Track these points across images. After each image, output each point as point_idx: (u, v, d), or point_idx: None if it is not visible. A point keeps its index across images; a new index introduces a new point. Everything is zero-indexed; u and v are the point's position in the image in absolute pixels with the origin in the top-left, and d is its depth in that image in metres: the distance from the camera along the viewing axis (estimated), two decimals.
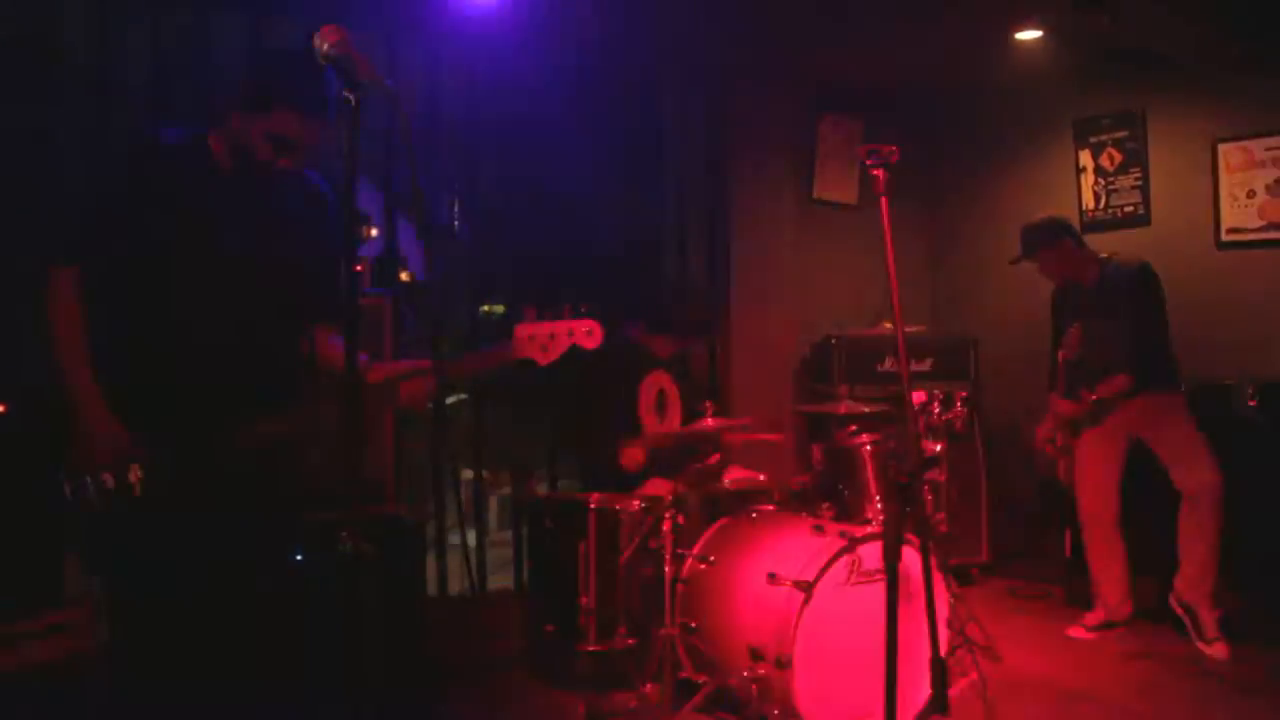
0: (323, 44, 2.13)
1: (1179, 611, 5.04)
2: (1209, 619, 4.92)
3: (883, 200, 2.69)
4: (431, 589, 5.43)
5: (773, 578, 3.84)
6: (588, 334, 2.96)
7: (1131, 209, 6.45)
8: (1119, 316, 5.07)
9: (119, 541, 2.68)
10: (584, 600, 3.96)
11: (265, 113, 2.75)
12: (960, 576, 6.02)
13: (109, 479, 2.64)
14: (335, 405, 2.72)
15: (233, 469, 2.72)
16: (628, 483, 4.74)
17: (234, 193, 2.88)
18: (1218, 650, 4.84)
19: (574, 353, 2.96)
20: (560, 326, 2.94)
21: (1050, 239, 5.22)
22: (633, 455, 4.70)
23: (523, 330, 2.93)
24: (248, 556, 2.82)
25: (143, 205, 2.78)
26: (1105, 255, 5.28)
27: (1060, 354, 5.08)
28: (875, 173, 2.69)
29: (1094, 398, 5.11)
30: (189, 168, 2.85)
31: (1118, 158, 6.51)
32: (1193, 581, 4.95)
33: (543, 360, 2.94)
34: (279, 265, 2.92)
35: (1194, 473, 4.91)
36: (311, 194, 3.05)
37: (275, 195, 2.94)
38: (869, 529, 4.00)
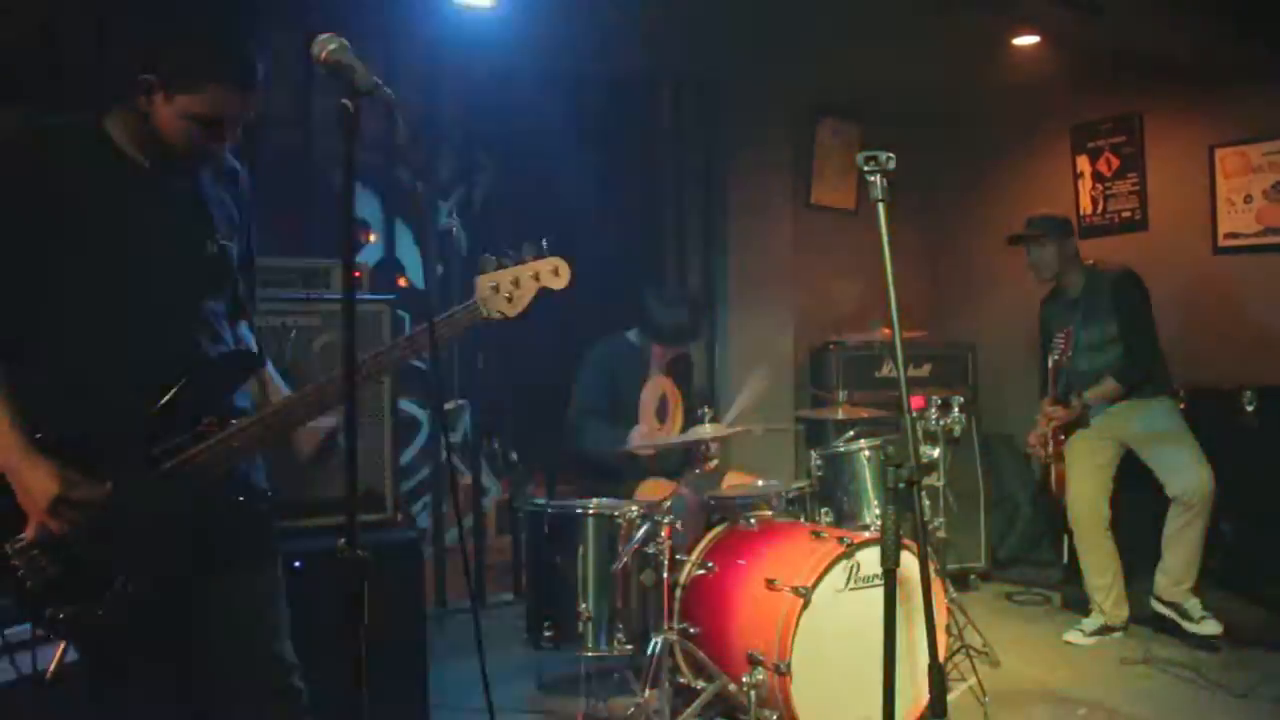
0: (321, 50, 2.12)
1: (1163, 609, 5.06)
2: (1193, 604, 5.00)
3: (880, 206, 2.69)
4: (429, 596, 5.43)
5: (771, 583, 3.84)
6: (554, 273, 2.68)
7: (1129, 214, 6.46)
8: (1105, 322, 5.08)
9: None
10: (582, 606, 3.95)
11: (190, 92, 2.38)
12: (958, 582, 6.03)
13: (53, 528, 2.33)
14: (294, 400, 2.53)
15: (196, 486, 2.45)
16: (626, 484, 4.73)
17: (152, 188, 2.51)
18: (1208, 626, 4.90)
19: (544, 299, 2.66)
20: (524, 270, 2.63)
21: (1061, 233, 5.22)
22: (640, 437, 4.69)
23: (484, 282, 2.61)
24: (231, 566, 2.57)
25: (34, 217, 2.38)
26: (1090, 262, 5.29)
27: (1052, 360, 5.09)
28: (873, 179, 2.69)
29: (1083, 403, 5.12)
30: (81, 163, 2.46)
31: (1115, 163, 6.52)
32: (1175, 579, 5.00)
33: (511, 312, 2.63)
34: (209, 263, 2.58)
35: (1185, 478, 4.92)
36: (225, 173, 2.70)
37: (194, 184, 2.59)
38: (867, 535, 4.00)
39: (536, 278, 2.65)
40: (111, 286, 2.44)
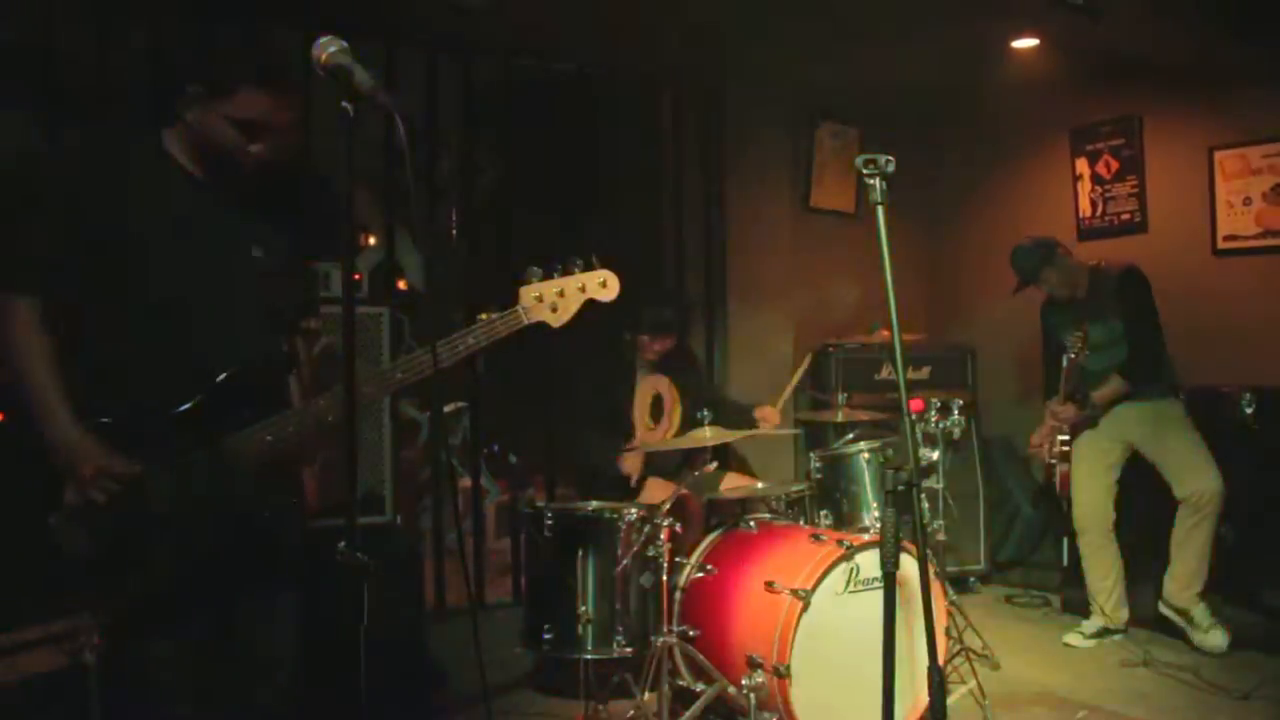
0: (321, 54, 2.13)
1: (1170, 613, 5.06)
2: (1200, 611, 4.97)
3: (879, 210, 2.69)
4: (429, 599, 5.43)
5: (770, 586, 3.84)
6: (602, 285, 2.77)
7: (1128, 216, 6.46)
8: (1111, 321, 5.08)
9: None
10: (582, 609, 3.95)
11: (227, 97, 2.54)
12: (958, 584, 6.03)
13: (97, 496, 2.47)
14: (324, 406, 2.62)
15: (233, 484, 2.58)
16: (625, 489, 4.75)
17: (205, 198, 2.68)
18: (1215, 638, 4.88)
19: (590, 309, 2.75)
20: (569, 282, 2.73)
21: (1049, 256, 5.22)
22: (629, 462, 4.71)
23: (528, 291, 2.70)
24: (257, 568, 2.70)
25: (102, 224, 2.56)
26: (1094, 263, 5.30)
27: (1067, 360, 5.06)
28: (872, 182, 2.69)
29: (1093, 404, 5.12)
30: (144, 174, 2.64)
31: (1115, 165, 6.52)
32: (1183, 584, 4.98)
33: (555, 323, 2.73)
34: (254, 268, 2.73)
35: (1194, 480, 4.92)
36: (283, 184, 2.85)
37: (245, 194, 2.73)
38: (867, 537, 4.00)
39: (583, 289, 2.75)
40: (164, 286, 2.59)
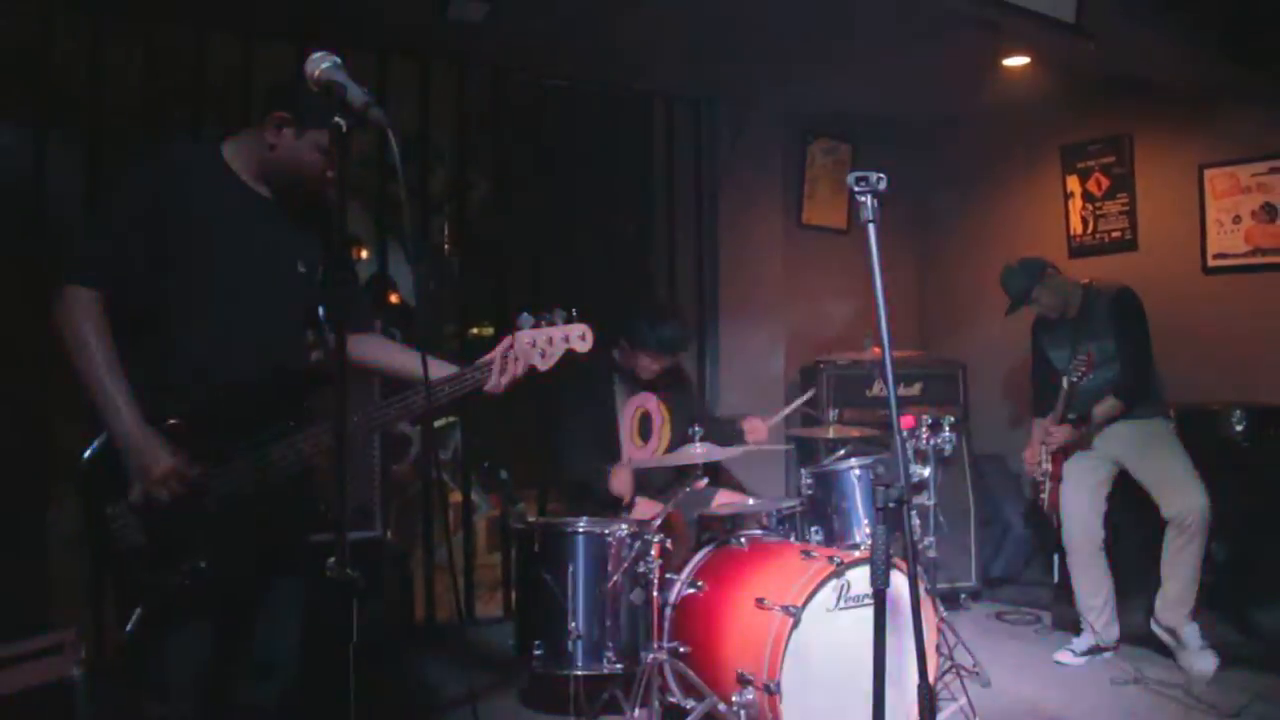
0: (314, 70, 2.14)
1: (1160, 633, 5.06)
2: (1191, 632, 4.95)
3: (870, 227, 2.70)
4: (419, 614, 5.42)
5: (761, 602, 3.83)
6: (581, 338, 3.02)
7: (1119, 234, 6.48)
8: (1104, 340, 5.09)
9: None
10: (572, 624, 3.94)
11: (320, 126, 2.66)
12: (949, 601, 6.02)
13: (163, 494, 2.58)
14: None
15: (270, 489, 2.71)
16: (615, 506, 4.74)
17: (260, 211, 2.84)
18: (1205, 660, 4.86)
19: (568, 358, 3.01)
20: (555, 332, 2.99)
21: (1038, 275, 5.24)
22: (619, 481, 4.70)
23: (522, 338, 2.96)
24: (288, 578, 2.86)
25: (167, 226, 2.68)
26: (1086, 281, 5.31)
27: (1068, 381, 5.05)
28: (863, 199, 2.70)
29: (1091, 425, 5.12)
30: (208, 183, 2.79)
31: (1105, 183, 6.55)
32: (1173, 603, 4.97)
33: (543, 367, 2.98)
34: (298, 281, 2.88)
35: (1180, 499, 4.92)
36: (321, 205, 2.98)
37: (294, 211, 2.89)
38: (857, 554, 3.99)
39: (566, 340, 3.01)
40: (216, 290, 2.74)
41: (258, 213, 2.83)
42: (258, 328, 2.80)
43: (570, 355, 3.03)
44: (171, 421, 2.63)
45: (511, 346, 2.95)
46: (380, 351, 3.11)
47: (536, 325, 2.99)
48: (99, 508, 2.61)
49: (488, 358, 2.95)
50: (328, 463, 2.77)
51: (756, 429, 5.13)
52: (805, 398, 5.51)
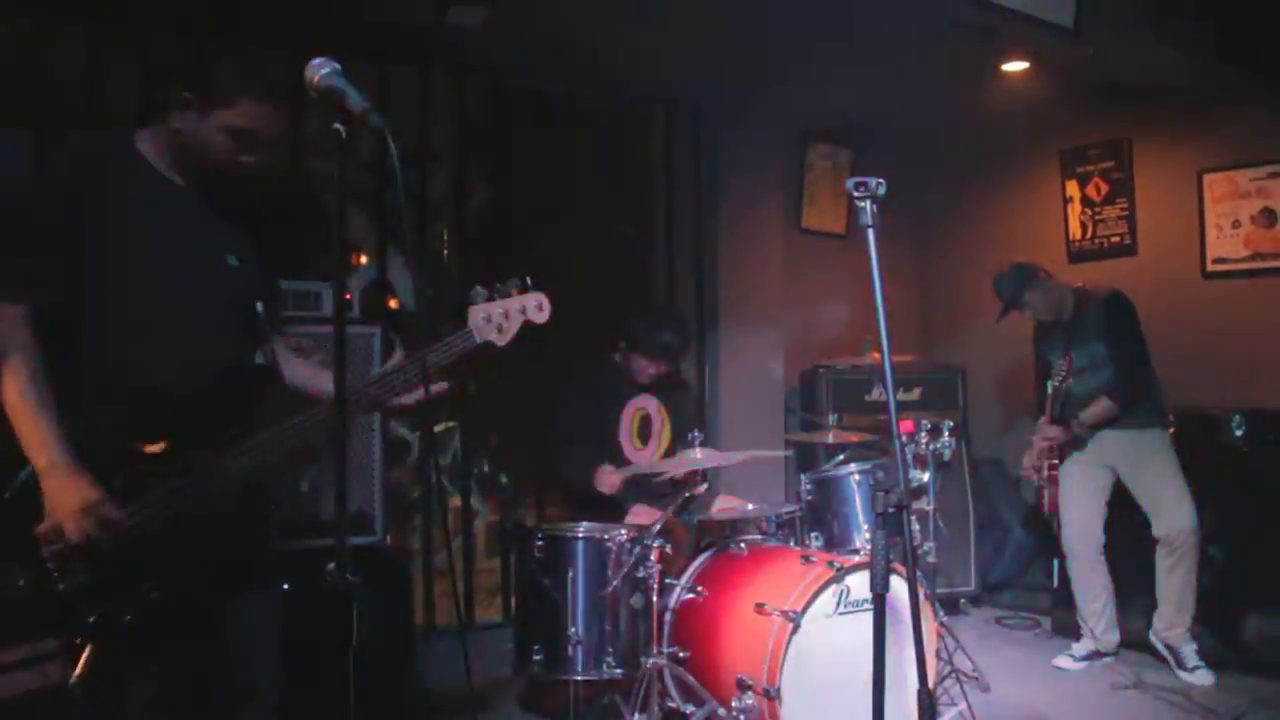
0: (314, 75, 2.14)
1: (1159, 646, 5.06)
2: (1188, 650, 4.95)
3: (869, 232, 2.70)
4: (418, 619, 5.41)
5: (760, 608, 3.83)
6: (538, 308, 2.86)
7: (1118, 239, 6.49)
8: (1096, 344, 5.10)
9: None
10: (571, 630, 3.94)
11: (227, 106, 2.55)
12: (948, 606, 6.02)
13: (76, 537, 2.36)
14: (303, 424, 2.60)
15: (215, 507, 2.53)
16: (614, 510, 4.73)
17: (181, 203, 2.65)
18: (1201, 677, 4.86)
19: (529, 332, 2.84)
20: (511, 303, 2.82)
21: (1029, 279, 5.26)
22: (608, 479, 4.67)
23: (477, 312, 2.79)
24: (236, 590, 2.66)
25: (82, 227, 2.48)
26: (1079, 285, 5.32)
27: (1051, 386, 5.09)
28: (862, 204, 2.70)
29: (1080, 424, 5.12)
30: (123, 177, 2.59)
31: (1104, 188, 6.55)
32: (1170, 621, 4.98)
33: (500, 341, 2.81)
34: (232, 276, 2.71)
35: (1169, 518, 4.94)
36: (253, 193, 2.88)
37: (219, 201, 2.72)
38: (857, 559, 3.99)
39: (523, 311, 2.83)
40: (140, 295, 2.54)
41: (178, 206, 2.65)
42: (191, 330, 2.61)
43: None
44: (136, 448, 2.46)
45: (404, 366, 2.73)
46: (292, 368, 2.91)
47: (490, 299, 2.81)
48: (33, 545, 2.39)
49: (392, 364, 2.80)
50: (278, 468, 2.71)
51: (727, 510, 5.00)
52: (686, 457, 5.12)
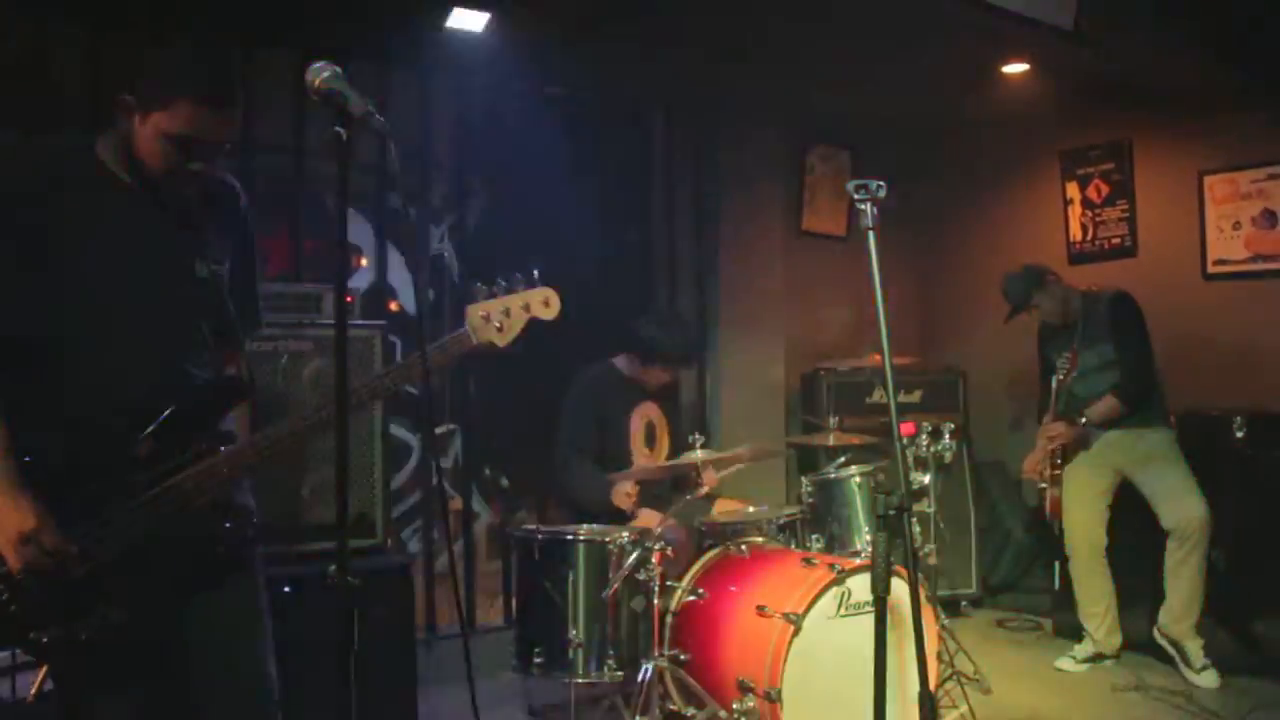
0: (314, 79, 2.14)
1: (1165, 643, 5.05)
2: (1195, 648, 4.94)
3: (870, 234, 2.70)
4: (419, 621, 5.41)
5: (762, 610, 3.83)
6: (544, 304, 2.69)
7: (1119, 241, 6.49)
8: (1102, 345, 5.11)
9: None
10: (572, 632, 3.94)
11: (163, 109, 2.35)
12: (949, 608, 6.02)
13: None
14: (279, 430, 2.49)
15: (184, 523, 2.42)
16: (617, 514, 4.73)
17: (140, 209, 2.48)
18: (1207, 678, 4.86)
19: (535, 329, 2.67)
20: (514, 300, 2.64)
21: (1039, 281, 5.27)
22: (622, 493, 4.67)
23: (475, 311, 2.61)
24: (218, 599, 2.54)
25: (38, 239, 2.36)
26: (1085, 288, 5.33)
27: (1056, 380, 5.10)
28: (863, 207, 2.70)
29: (1086, 421, 5.12)
30: (79, 186, 2.43)
31: (1105, 189, 6.55)
32: (1177, 616, 4.96)
33: (501, 342, 2.63)
34: (198, 285, 2.54)
35: (1180, 509, 4.92)
36: (216, 194, 2.66)
37: (183, 205, 2.54)
38: (858, 561, 4.00)
39: (526, 308, 2.67)
40: (99, 307, 2.42)
41: (136, 213, 2.47)
42: (149, 343, 2.47)
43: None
44: (26, 459, 2.32)
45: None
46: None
47: (490, 297, 2.64)
48: None
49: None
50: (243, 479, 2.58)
51: (711, 480, 5.00)
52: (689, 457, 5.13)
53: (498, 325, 2.62)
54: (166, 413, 2.42)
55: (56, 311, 2.40)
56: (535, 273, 2.71)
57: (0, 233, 2.35)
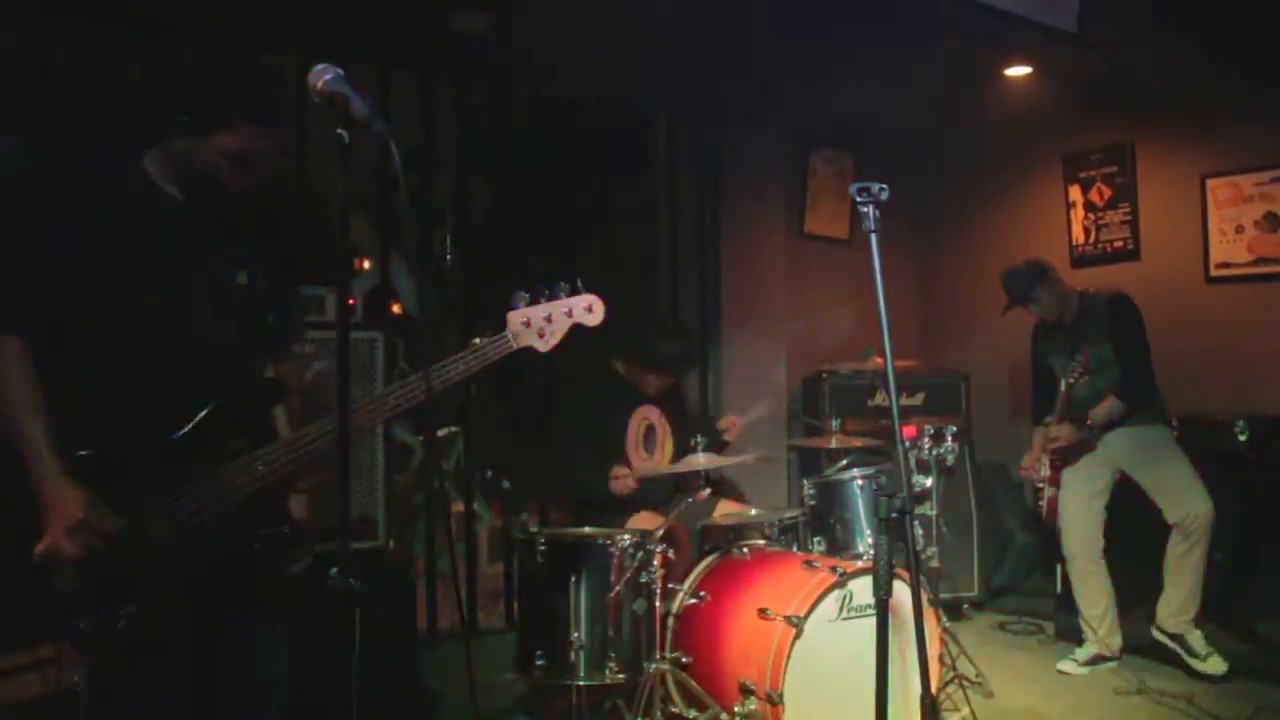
0: (317, 82, 2.14)
1: (1164, 639, 5.05)
2: (1196, 637, 4.96)
3: (872, 237, 2.70)
4: (421, 624, 5.41)
5: (764, 613, 3.83)
6: (588, 310, 2.79)
7: (1121, 244, 6.49)
8: (1102, 346, 5.10)
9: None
10: (574, 635, 3.94)
11: (225, 129, 2.50)
12: (951, 611, 6.01)
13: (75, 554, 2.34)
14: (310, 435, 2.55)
15: (222, 518, 2.49)
16: (617, 515, 4.73)
17: (186, 222, 2.60)
18: (1214, 664, 4.87)
19: (576, 337, 2.76)
20: (558, 306, 2.75)
21: (1039, 276, 5.26)
22: (623, 480, 4.68)
23: (516, 317, 2.71)
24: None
25: (84, 250, 2.45)
26: (1083, 289, 5.33)
27: (1065, 383, 5.09)
28: (865, 209, 2.70)
29: (1088, 421, 5.12)
30: (129, 199, 2.56)
31: (1107, 193, 6.55)
32: (1177, 609, 4.97)
33: (543, 348, 2.73)
34: (239, 294, 2.66)
35: (1186, 504, 4.92)
36: (261, 204, 2.77)
37: (227, 218, 2.66)
38: (860, 564, 4.00)
39: (570, 314, 2.76)
40: (145, 314, 2.52)
41: (184, 226, 2.59)
42: (194, 349, 2.57)
43: (579, 331, 2.78)
44: (81, 453, 2.40)
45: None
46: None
47: (534, 302, 2.74)
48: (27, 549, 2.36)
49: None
50: (289, 482, 2.61)
51: (732, 423, 5.15)
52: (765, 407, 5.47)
53: (539, 331, 2.72)
54: (204, 413, 2.50)
55: (101, 313, 2.48)
56: (579, 281, 2.80)
57: (52, 235, 2.45)
